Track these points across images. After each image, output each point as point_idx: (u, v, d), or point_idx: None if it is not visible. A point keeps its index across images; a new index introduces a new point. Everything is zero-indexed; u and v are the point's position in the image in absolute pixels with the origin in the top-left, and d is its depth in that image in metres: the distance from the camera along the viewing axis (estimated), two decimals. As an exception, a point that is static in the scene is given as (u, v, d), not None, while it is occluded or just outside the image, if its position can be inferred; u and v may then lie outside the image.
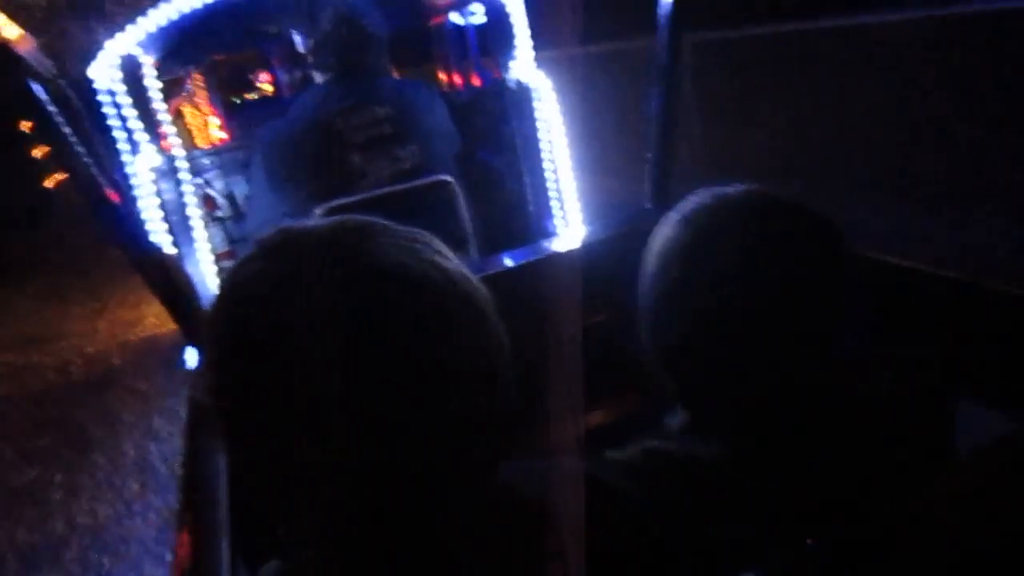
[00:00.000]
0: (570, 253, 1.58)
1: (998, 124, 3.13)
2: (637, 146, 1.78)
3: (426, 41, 4.21)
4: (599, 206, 2.69)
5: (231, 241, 2.54)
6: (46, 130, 1.08)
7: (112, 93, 2.10)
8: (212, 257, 2.25)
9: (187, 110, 5.86)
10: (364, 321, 0.49)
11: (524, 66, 2.39)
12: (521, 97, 2.41)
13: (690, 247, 0.74)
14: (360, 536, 0.54)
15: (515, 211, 2.53)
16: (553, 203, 2.50)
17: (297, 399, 0.47)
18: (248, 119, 5.02)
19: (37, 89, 1.06)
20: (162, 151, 2.19)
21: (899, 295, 1.16)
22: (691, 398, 0.79)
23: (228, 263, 2.43)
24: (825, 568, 0.60)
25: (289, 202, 1.95)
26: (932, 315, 1.14)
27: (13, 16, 1.14)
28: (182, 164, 2.21)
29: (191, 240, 2.18)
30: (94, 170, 1.13)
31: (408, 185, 1.95)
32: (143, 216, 2.05)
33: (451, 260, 0.56)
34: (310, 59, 2.10)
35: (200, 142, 5.28)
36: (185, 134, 5.37)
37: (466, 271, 0.56)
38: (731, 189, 0.77)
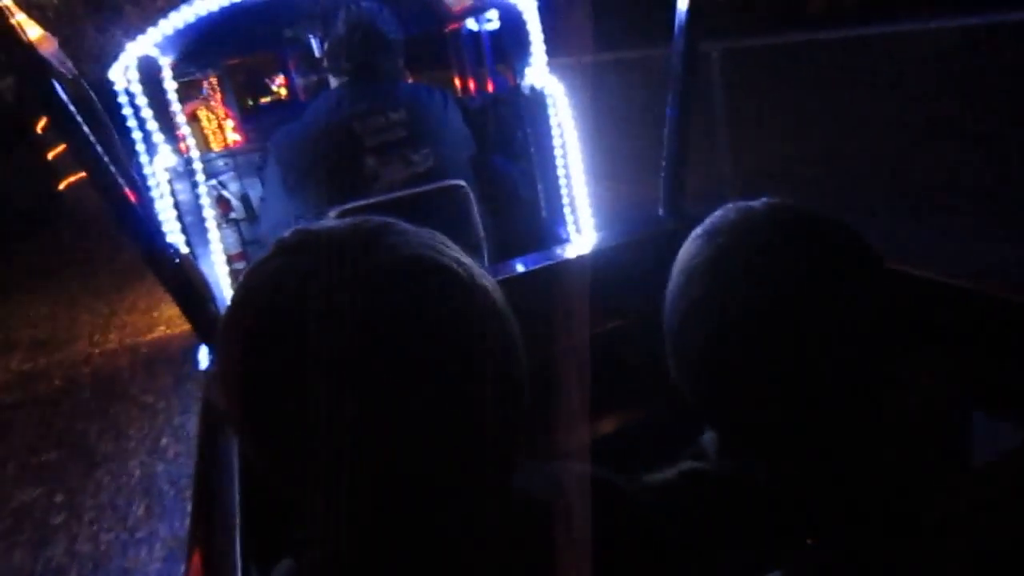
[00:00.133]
0: (582, 259, 1.58)
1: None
2: (650, 153, 1.78)
3: (442, 47, 4.23)
4: (612, 212, 2.67)
5: (244, 243, 2.56)
6: (65, 130, 1.09)
7: (130, 94, 2.12)
8: (224, 258, 2.26)
9: (203, 114, 5.91)
10: (385, 319, 0.48)
11: (538, 72, 2.40)
12: (535, 103, 2.41)
13: (714, 263, 0.72)
14: (374, 536, 0.54)
15: (528, 216, 2.53)
16: (566, 209, 2.49)
17: (315, 398, 0.47)
18: (263, 122, 5.05)
19: (59, 89, 1.08)
20: (178, 152, 2.21)
21: (914, 305, 1.15)
22: (718, 417, 0.77)
23: (240, 265, 2.45)
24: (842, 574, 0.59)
25: (303, 205, 1.96)
26: (946, 325, 1.13)
27: (27, 15, 1.15)
28: (197, 166, 2.23)
29: (206, 241, 2.20)
30: (112, 169, 1.14)
31: (422, 189, 1.95)
32: (159, 216, 2.06)
33: (469, 260, 0.56)
34: (325, 63, 2.11)
35: (215, 145, 5.31)
36: (200, 137, 5.41)
37: (483, 271, 0.56)
38: (756, 203, 0.75)
